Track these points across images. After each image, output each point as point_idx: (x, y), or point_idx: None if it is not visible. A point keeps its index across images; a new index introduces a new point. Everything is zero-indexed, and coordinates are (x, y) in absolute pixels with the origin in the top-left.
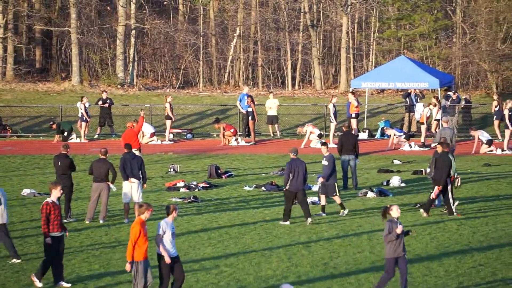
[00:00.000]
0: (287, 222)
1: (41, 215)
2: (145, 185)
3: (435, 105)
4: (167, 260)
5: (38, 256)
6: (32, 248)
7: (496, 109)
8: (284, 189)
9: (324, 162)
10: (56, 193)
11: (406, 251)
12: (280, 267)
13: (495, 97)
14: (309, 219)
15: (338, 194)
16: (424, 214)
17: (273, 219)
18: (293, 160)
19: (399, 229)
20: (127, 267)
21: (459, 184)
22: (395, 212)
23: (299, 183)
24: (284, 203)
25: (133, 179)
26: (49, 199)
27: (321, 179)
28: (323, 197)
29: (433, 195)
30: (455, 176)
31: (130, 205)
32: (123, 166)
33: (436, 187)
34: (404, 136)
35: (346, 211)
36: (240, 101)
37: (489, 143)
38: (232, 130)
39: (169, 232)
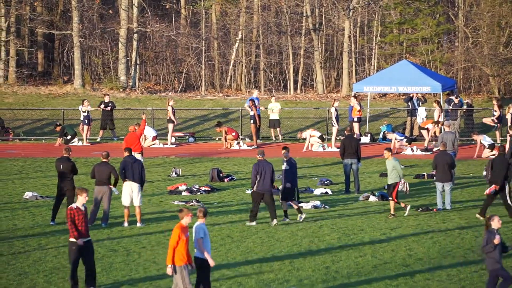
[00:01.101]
0: (254, 223)
1: (67, 221)
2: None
3: (437, 107)
4: (212, 263)
5: (40, 259)
6: (34, 251)
7: (496, 113)
8: (252, 191)
9: (286, 167)
10: (81, 199)
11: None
12: (282, 271)
13: (494, 101)
14: (274, 221)
15: (296, 199)
16: (481, 218)
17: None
18: (260, 162)
19: (496, 240)
20: (168, 271)
21: (407, 189)
22: (496, 223)
23: (266, 184)
24: (252, 204)
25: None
26: (73, 205)
27: (275, 186)
28: (283, 202)
29: (487, 192)
30: (402, 182)
31: (130, 209)
32: (123, 169)
33: (492, 185)
34: (405, 140)
35: (303, 216)
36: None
37: (491, 147)
38: (234, 134)
39: (207, 235)
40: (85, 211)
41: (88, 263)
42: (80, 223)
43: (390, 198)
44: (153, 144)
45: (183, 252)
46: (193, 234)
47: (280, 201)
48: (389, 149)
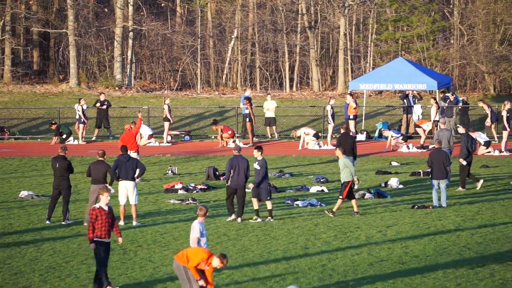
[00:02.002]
0: (233, 216)
1: (90, 220)
2: (138, 179)
3: (434, 104)
4: None
5: (36, 258)
6: (30, 250)
7: (489, 110)
8: (226, 185)
9: (256, 166)
10: (104, 199)
11: None
12: (278, 269)
13: (482, 104)
14: (239, 219)
15: (271, 199)
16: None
17: (271, 221)
18: (235, 157)
19: None
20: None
21: (356, 185)
22: None
23: (240, 180)
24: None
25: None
26: (96, 205)
27: (251, 185)
28: (254, 200)
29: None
30: (355, 180)
31: (126, 207)
32: (116, 168)
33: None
34: (401, 137)
35: (271, 220)
36: (243, 102)
37: (487, 144)
38: (229, 132)
39: (204, 234)
40: (109, 210)
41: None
42: (104, 223)
43: (340, 197)
44: (149, 143)
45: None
46: (191, 232)
47: (252, 199)
48: (340, 148)
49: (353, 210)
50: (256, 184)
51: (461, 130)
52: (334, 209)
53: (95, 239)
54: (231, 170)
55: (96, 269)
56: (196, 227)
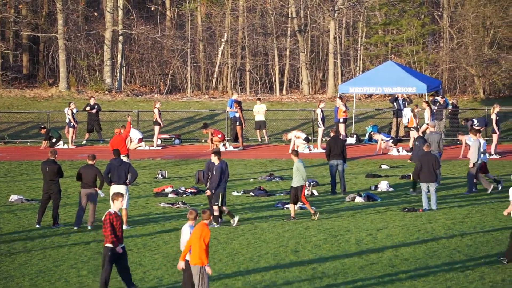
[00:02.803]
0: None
1: (105, 225)
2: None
3: (427, 108)
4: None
5: (26, 262)
6: (19, 254)
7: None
8: (206, 188)
9: (213, 171)
10: (118, 204)
11: None
12: (269, 272)
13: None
14: (213, 224)
15: (219, 205)
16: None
17: (262, 224)
18: (210, 160)
19: None
20: (209, 269)
21: (311, 191)
22: None
23: (214, 182)
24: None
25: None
26: (111, 210)
27: (208, 192)
28: (215, 207)
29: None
30: (307, 184)
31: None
32: (109, 172)
33: None
34: (391, 140)
35: (216, 225)
36: (230, 106)
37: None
38: (220, 136)
39: None
40: (121, 217)
41: (123, 267)
42: (118, 228)
43: (300, 203)
44: (139, 147)
45: (206, 252)
46: (181, 235)
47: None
48: (294, 151)
49: (290, 215)
50: (213, 189)
51: (415, 133)
52: (292, 215)
53: (106, 244)
54: (209, 173)
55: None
56: (186, 230)
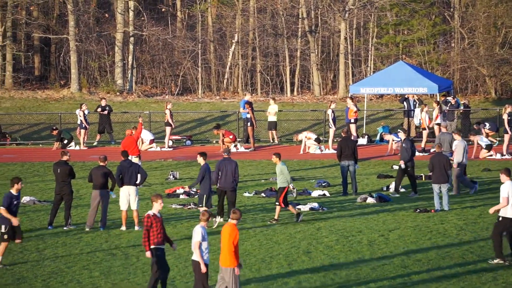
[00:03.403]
0: (218, 219)
1: (144, 228)
2: (140, 185)
3: (436, 105)
4: (203, 269)
5: (38, 263)
6: (32, 256)
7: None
8: (216, 188)
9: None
10: (157, 206)
11: None
12: (281, 273)
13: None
14: (219, 219)
15: (203, 205)
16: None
17: (273, 225)
18: (223, 160)
19: None
20: (237, 270)
21: (296, 194)
22: None
23: (227, 182)
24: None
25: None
26: (150, 212)
27: (186, 188)
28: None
29: None
30: (291, 187)
31: (128, 212)
32: (120, 173)
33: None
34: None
35: (216, 221)
36: (243, 107)
37: (489, 148)
38: (231, 137)
39: (206, 239)
40: (161, 218)
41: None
42: (158, 230)
43: (277, 203)
44: (151, 148)
45: (237, 253)
46: (193, 236)
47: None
48: (277, 154)
49: (274, 217)
50: (192, 187)
51: (401, 135)
52: (275, 217)
53: (152, 246)
54: (219, 172)
55: (161, 277)
56: (198, 231)
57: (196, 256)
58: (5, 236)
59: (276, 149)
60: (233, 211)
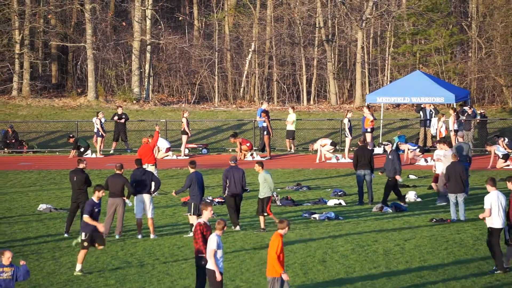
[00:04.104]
0: (238, 228)
1: (195, 237)
2: (156, 193)
3: (453, 112)
4: (219, 277)
5: (54, 271)
6: (48, 263)
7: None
8: (224, 196)
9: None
10: (207, 214)
11: None
12: (296, 282)
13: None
14: (237, 227)
15: (191, 214)
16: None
17: (289, 234)
18: (230, 168)
19: None
20: (285, 276)
21: (278, 200)
22: None
23: (237, 189)
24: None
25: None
26: (201, 220)
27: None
28: (189, 216)
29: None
30: (274, 195)
31: (143, 220)
32: (134, 182)
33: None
34: (418, 150)
35: (191, 234)
36: (259, 116)
37: (505, 157)
38: (248, 144)
39: (221, 247)
40: (210, 226)
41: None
42: (206, 239)
43: (265, 214)
44: (167, 156)
45: (282, 262)
46: (208, 244)
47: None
48: (259, 163)
49: (260, 227)
50: (178, 193)
51: (388, 148)
52: (262, 226)
53: (200, 255)
54: (227, 180)
55: (197, 284)
56: (213, 239)
57: (211, 265)
58: (85, 243)
59: (293, 158)
60: (280, 220)
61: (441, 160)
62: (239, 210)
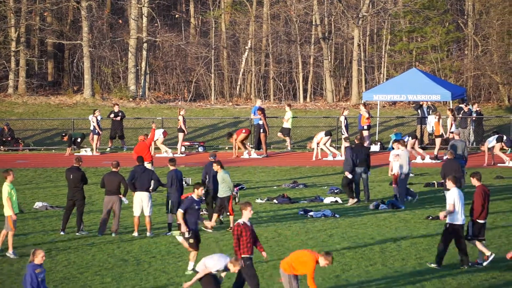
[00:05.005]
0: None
1: (234, 237)
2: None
3: (450, 113)
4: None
5: (50, 269)
6: (44, 261)
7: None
8: (205, 191)
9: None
10: (247, 214)
11: None
12: None
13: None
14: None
15: (168, 212)
16: None
17: (285, 232)
18: (209, 164)
19: None
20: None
21: (237, 199)
22: None
23: (215, 184)
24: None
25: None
26: (240, 220)
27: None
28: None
29: None
30: (234, 194)
31: (141, 218)
32: (132, 178)
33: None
34: (410, 138)
35: (169, 233)
36: (254, 113)
37: (499, 139)
38: (244, 131)
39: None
40: (252, 226)
41: (240, 280)
42: (248, 239)
43: (227, 213)
44: (165, 140)
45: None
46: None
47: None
48: (218, 162)
49: (230, 226)
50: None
51: (345, 144)
52: (212, 224)
53: (244, 255)
54: (206, 176)
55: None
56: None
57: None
58: (191, 240)
59: (289, 156)
60: (326, 252)
61: (398, 159)
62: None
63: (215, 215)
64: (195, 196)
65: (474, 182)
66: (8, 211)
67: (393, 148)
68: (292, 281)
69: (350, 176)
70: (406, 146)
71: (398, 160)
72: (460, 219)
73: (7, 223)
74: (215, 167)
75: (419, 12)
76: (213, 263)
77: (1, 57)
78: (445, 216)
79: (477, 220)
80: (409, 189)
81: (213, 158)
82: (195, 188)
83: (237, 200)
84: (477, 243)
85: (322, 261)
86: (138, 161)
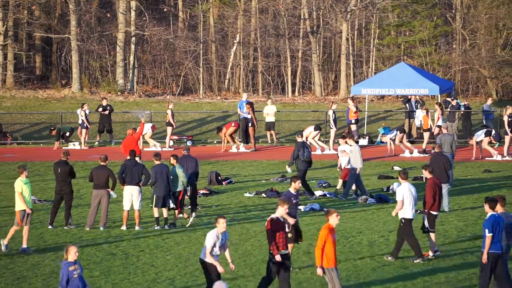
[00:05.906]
0: (181, 215)
1: (268, 232)
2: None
3: (438, 107)
4: (220, 269)
5: (38, 263)
6: (32, 255)
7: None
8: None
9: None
10: (281, 211)
11: None
12: None
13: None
14: (193, 214)
15: (153, 206)
16: None
17: None
18: (183, 157)
19: None
20: (319, 271)
21: (189, 193)
22: None
23: (191, 177)
24: None
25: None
26: (273, 216)
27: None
28: (154, 209)
29: None
30: (187, 188)
31: (130, 212)
32: (123, 172)
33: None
34: (398, 132)
35: (157, 227)
36: (240, 108)
37: (487, 134)
38: (233, 124)
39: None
40: (284, 222)
41: (283, 278)
42: (282, 235)
43: (173, 207)
44: (153, 134)
45: (331, 254)
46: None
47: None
48: (174, 156)
49: (172, 221)
50: (156, 191)
51: (299, 139)
52: (188, 224)
53: (270, 251)
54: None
55: (264, 278)
56: (210, 237)
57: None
58: (289, 235)
59: (278, 150)
60: (327, 211)
61: (347, 154)
62: (195, 198)
63: (164, 210)
64: (292, 190)
65: (426, 174)
66: (19, 206)
67: (381, 142)
68: (332, 273)
69: (289, 170)
70: (357, 142)
71: (345, 155)
72: (410, 213)
73: (16, 218)
74: (172, 160)
75: (407, 6)
76: None
77: None
78: (396, 214)
79: (431, 212)
80: (363, 187)
81: (186, 151)
82: (292, 181)
83: (189, 193)
84: (431, 235)
85: (333, 220)
86: (129, 155)
